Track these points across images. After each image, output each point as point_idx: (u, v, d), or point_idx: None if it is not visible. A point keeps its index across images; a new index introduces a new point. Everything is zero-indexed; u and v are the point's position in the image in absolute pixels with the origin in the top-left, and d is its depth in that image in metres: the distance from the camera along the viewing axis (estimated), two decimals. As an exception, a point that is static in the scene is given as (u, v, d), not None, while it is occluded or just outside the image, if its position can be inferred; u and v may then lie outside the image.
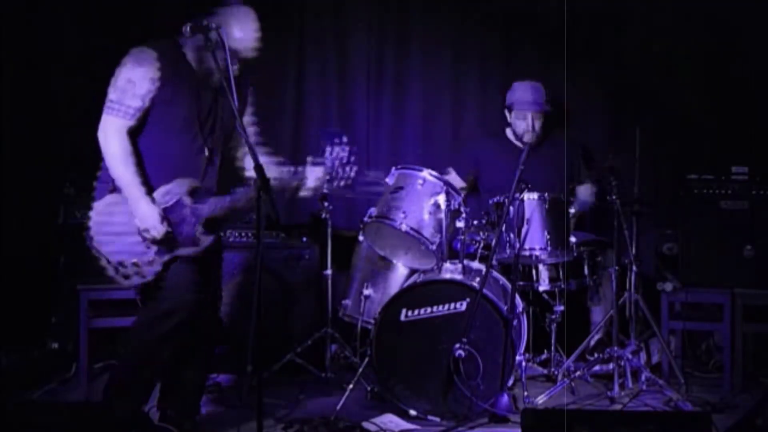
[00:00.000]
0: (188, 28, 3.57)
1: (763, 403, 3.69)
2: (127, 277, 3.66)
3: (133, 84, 3.61)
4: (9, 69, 5.16)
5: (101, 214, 3.67)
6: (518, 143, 5.17)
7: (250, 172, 3.88)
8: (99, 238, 3.65)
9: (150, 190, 3.66)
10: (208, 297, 3.87)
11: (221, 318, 4.39)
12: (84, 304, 4.75)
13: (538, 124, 5.12)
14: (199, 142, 3.76)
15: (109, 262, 3.65)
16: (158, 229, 3.62)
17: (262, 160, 3.69)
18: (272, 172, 3.78)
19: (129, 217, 3.64)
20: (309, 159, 3.92)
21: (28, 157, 5.15)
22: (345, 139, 3.86)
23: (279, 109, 5.66)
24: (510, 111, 5.19)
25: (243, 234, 5.13)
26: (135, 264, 3.65)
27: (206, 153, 3.79)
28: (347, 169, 3.87)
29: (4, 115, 5.13)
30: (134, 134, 3.67)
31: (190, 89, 3.72)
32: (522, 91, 5.16)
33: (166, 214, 3.66)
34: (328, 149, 3.85)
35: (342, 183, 3.88)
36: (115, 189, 3.67)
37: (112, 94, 3.63)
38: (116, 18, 5.25)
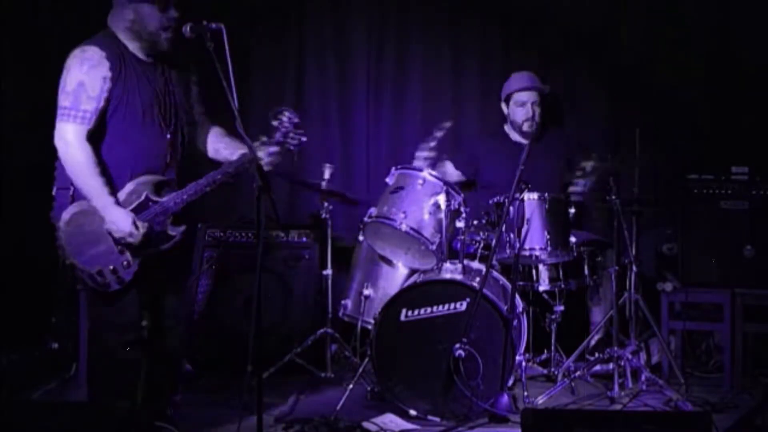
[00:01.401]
0: (188, 29, 3.56)
1: (763, 403, 3.70)
2: (105, 285, 3.57)
3: (85, 86, 3.50)
4: (11, 69, 5.15)
5: (69, 224, 3.56)
6: (518, 137, 5.18)
7: (213, 154, 3.87)
8: (71, 249, 3.56)
9: (114, 191, 3.56)
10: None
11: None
12: (84, 304, 4.74)
13: (537, 111, 5.14)
14: (160, 127, 3.67)
15: (84, 271, 3.56)
16: (135, 235, 3.52)
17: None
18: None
19: (98, 224, 3.53)
20: (262, 138, 3.81)
21: (28, 157, 5.14)
22: (288, 113, 3.78)
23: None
24: (507, 103, 5.19)
25: (243, 234, 5.13)
26: (113, 271, 3.56)
27: (168, 137, 3.69)
28: (297, 134, 3.76)
29: (5, 114, 5.12)
30: (95, 136, 3.56)
31: (140, 76, 3.63)
32: (518, 79, 5.20)
33: (137, 216, 3.56)
34: (275, 122, 3.76)
35: (293, 146, 3.79)
36: (75, 196, 3.56)
37: (65, 101, 3.50)
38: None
